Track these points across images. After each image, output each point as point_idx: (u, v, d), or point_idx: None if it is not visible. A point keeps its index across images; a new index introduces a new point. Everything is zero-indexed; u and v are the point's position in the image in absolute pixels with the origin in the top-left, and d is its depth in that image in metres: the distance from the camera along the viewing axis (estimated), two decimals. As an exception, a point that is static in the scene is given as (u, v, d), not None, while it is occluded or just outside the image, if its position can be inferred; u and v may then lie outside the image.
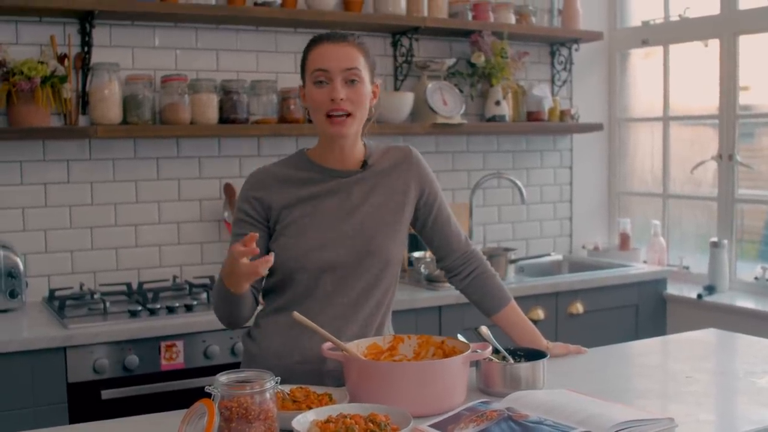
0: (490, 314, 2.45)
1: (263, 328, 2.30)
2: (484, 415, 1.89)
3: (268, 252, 2.25)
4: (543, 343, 2.43)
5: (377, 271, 2.26)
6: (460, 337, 2.16)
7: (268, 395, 1.68)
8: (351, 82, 2.18)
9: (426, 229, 2.41)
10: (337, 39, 2.21)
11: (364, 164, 2.30)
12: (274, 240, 2.27)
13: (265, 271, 1.98)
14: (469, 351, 2.02)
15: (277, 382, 1.71)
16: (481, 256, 2.47)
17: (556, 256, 4.77)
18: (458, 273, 2.44)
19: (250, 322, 2.37)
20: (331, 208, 2.26)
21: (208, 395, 1.67)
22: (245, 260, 1.96)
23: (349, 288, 2.25)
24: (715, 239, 4.34)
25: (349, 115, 2.19)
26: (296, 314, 2.06)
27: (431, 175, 2.40)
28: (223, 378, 1.69)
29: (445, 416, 1.90)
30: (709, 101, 4.50)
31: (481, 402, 1.99)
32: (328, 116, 2.18)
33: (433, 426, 1.84)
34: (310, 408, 1.85)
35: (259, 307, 2.37)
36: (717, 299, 4.15)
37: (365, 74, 2.21)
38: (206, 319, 3.20)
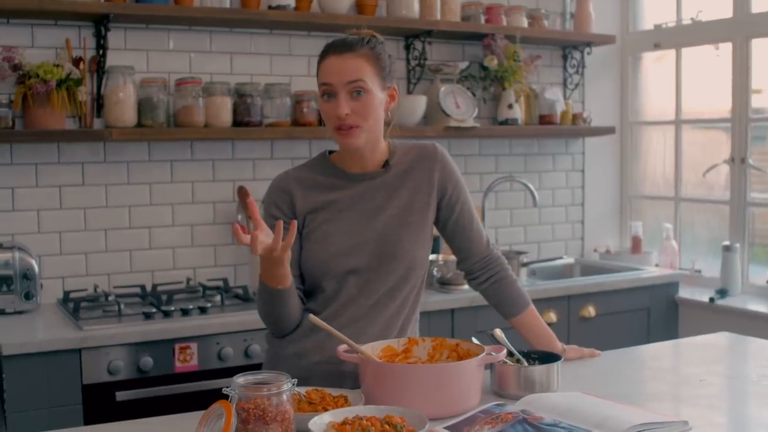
0: (506, 318, 2.44)
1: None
2: (499, 417, 1.89)
3: (300, 256, 2.26)
4: (558, 346, 2.41)
5: (402, 273, 2.27)
6: (475, 340, 2.16)
7: (284, 397, 1.69)
8: (356, 94, 2.16)
9: (447, 230, 2.39)
10: (342, 50, 2.18)
11: (386, 165, 2.30)
12: (300, 246, 2.27)
13: (290, 244, 1.97)
14: (484, 354, 2.03)
15: (293, 384, 1.72)
16: (502, 261, 2.44)
17: (568, 260, 4.77)
18: (477, 277, 2.43)
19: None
20: (354, 212, 2.26)
21: (226, 397, 1.69)
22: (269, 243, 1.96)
23: (373, 290, 2.25)
24: (727, 243, 4.34)
25: (356, 127, 2.18)
26: (312, 317, 2.08)
27: (457, 174, 2.37)
28: (240, 380, 1.70)
29: (460, 418, 1.90)
30: (721, 104, 4.50)
31: (495, 404, 2.00)
32: (337, 129, 2.19)
33: (448, 428, 1.85)
34: (326, 410, 1.86)
35: None
36: (729, 303, 4.15)
37: (373, 83, 2.18)
38: (220, 321, 3.22)
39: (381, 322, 2.27)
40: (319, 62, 2.23)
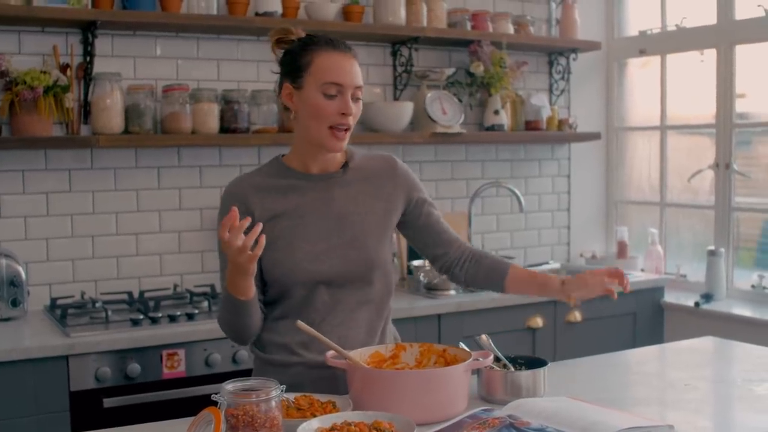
0: (500, 288, 2.40)
1: (267, 338, 2.31)
2: (486, 422, 1.91)
3: (260, 265, 2.22)
4: (556, 282, 2.35)
5: (372, 278, 2.26)
6: (462, 346, 2.18)
7: (273, 403, 1.70)
8: (356, 99, 2.19)
9: (417, 232, 2.39)
10: (345, 49, 2.20)
11: (345, 166, 2.29)
12: (263, 255, 2.16)
13: (259, 251, 1.97)
14: (471, 359, 2.04)
15: (282, 390, 1.73)
16: (473, 247, 2.45)
17: (554, 265, 4.78)
18: (454, 266, 2.41)
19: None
20: (316, 216, 2.24)
21: (214, 403, 1.69)
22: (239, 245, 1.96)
23: (347, 297, 2.25)
24: (712, 247, 4.37)
25: (348, 129, 2.20)
26: (300, 323, 2.08)
27: (417, 181, 2.39)
28: (229, 386, 1.71)
29: (447, 424, 1.92)
30: (706, 110, 4.53)
31: (482, 410, 2.02)
32: (331, 128, 2.17)
33: (435, 433, 1.86)
34: (314, 416, 1.87)
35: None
36: (714, 307, 4.17)
37: None
38: (207, 327, 3.22)
39: (363, 327, 2.27)
40: (316, 54, 2.18)
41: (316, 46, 2.19)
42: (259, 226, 1.98)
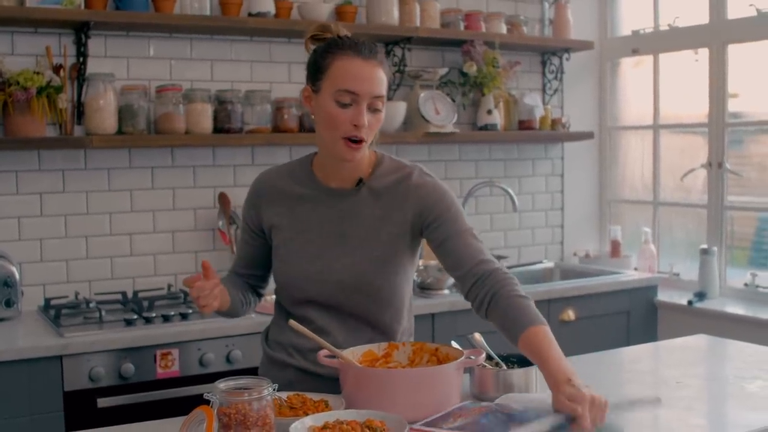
0: (513, 343, 2.05)
1: (272, 335, 2.33)
2: (472, 411, 1.93)
3: (269, 263, 2.28)
4: (558, 381, 1.89)
5: (368, 306, 2.19)
6: (454, 344, 2.18)
7: (265, 402, 1.70)
8: (374, 110, 2.06)
9: (437, 251, 2.19)
10: (368, 55, 2.05)
11: (359, 182, 2.18)
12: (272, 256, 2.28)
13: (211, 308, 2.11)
14: (463, 358, 2.04)
15: (274, 389, 1.73)
16: (497, 276, 2.09)
17: (548, 264, 4.80)
18: (473, 300, 2.13)
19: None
20: (315, 234, 2.18)
21: (207, 402, 1.70)
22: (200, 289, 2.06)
23: (346, 318, 2.21)
24: (705, 246, 4.38)
25: (365, 141, 2.08)
26: (292, 322, 2.08)
27: (431, 197, 2.18)
28: (221, 385, 1.72)
29: (437, 415, 1.93)
30: (698, 109, 4.54)
31: (471, 402, 2.03)
32: (345, 139, 2.06)
33: (425, 424, 1.87)
34: (306, 414, 1.87)
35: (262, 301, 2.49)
36: (707, 305, 4.18)
37: (385, 101, 2.09)
38: (201, 327, 3.22)
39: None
40: (336, 57, 2.06)
41: (339, 49, 2.06)
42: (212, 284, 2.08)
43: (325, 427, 1.76)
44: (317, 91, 2.09)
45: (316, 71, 2.09)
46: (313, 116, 2.15)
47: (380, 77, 2.06)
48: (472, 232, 2.20)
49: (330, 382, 2.13)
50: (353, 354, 2.11)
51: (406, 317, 2.31)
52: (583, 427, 1.77)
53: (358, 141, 2.06)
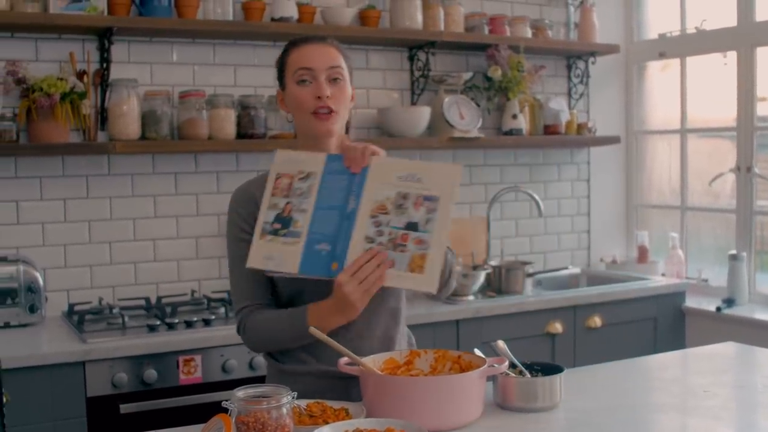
0: None
1: None
2: None
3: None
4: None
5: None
6: (477, 352, 2.15)
7: (284, 410, 1.68)
8: (334, 80, 2.18)
9: None
10: (318, 39, 2.22)
11: None
12: None
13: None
14: (486, 365, 2.02)
15: (293, 397, 1.71)
16: None
17: (574, 270, 4.76)
18: None
19: None
20: None
21: (225, 410, 1.68)
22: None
23: (372, 315, 2.20)
24: (733, 252, 4.32)
25: (335, 111, 2.17)
26: (312, 329, 2.04)
27: None
28: (240, 393, 1.70)
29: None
30: (726, 113, 4.49)
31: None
32: (314, 114, 2.17)
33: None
34: (326, 423, 1.85)
35: None
36: (736, 312, 4.13)
37: (347, 74, 2.22)
38: (224, 333, 3.21)
39: (379, 335, 2.22)
40: (290, 52, 2.22)
41: (291, 45, 2.24)
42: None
43: (344, 435, 1.74)
44: (284, 88, 2.24)
45: (279, 73, 2.26)
46: (288, 115, 2.26)
47: (332, 53, 2.20)
48: None
49: (349, 381, 2.12)
50: (374, 362, 2.09)
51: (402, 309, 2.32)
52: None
53: (328, 112, 2.16)
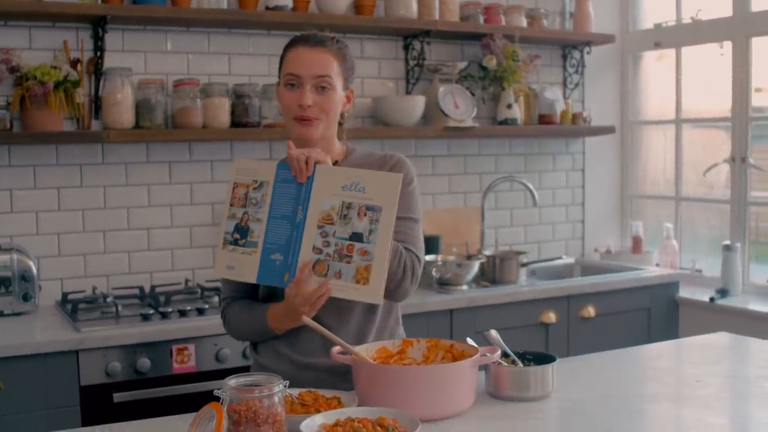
0: None
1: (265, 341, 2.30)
2: None
3: None
4: None
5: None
6: (470, 341, 2.16)
7: (276, 399, 1.68)
8: (321, 89, 2.19)
9: None
10: (314, 43, 2.21)
11: (335, 164, 2.23)
12: None
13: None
14: (478, 355, 2.02)
15: (285, 386, 1.71)
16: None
17: (568, 260, 4.76)
18: None
19: None
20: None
21: (218, 399, 1.68)
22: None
23: (344, 309, 2.21)
24: (727, 242, 4.33)
25: (317, 119, 2.19)
26: (305, 318, 2.06)
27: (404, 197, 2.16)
28: (231, 382, 1.70)
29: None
30: (721, 104, 4.49)
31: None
32: (296, 119, 2.20)
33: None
34: (318, 411, 1.85)
35: None
36: (730, 302, 4.13)
37: (338, 81, 2.21)
38: (218, 322, 3.16)
39: (353, 333, 2.22)
40: (287, 50, 2.24)
41: (291, 44, 2.25)
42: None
43: (336, 424, 1.75)
44: (278, 84, 2.27)
45: (279, 67, 2.28)
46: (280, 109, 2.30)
47: (325, 60, 2.20)
48: (415, 222, 2.27)
49: (328, 374, 2.15)
50: (367, 351, 2.09)
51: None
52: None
53: (308, 119, 2.18)
